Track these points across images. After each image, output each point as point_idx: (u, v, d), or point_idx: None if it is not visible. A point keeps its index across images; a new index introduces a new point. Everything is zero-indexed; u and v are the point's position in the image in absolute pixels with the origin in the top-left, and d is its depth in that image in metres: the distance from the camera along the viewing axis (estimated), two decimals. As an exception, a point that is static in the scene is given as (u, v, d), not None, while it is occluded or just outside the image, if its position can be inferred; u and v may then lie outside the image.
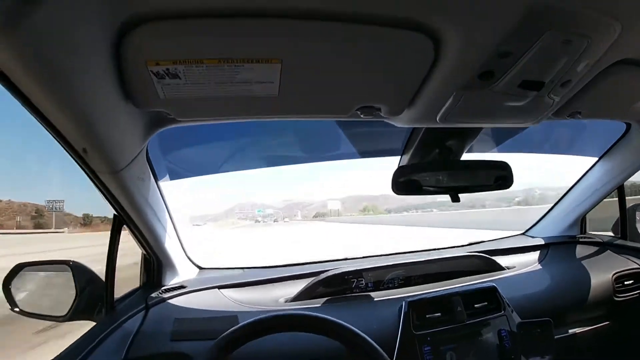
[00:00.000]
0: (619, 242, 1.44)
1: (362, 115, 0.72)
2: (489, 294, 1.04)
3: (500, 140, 1.31)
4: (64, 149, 0.63)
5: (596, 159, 1.40)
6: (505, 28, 0.52)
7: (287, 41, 0.51)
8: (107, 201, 0.83)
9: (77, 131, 0.58)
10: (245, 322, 0.73)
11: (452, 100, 0.68)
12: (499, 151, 1.38)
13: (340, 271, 1.16)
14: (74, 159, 0.66)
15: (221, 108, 0.67)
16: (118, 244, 0.92)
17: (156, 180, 0.93)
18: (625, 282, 1.27)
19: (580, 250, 1.41)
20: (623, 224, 1.49)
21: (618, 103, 0.92)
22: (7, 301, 0.98)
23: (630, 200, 1.52)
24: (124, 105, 0.60)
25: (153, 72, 0.52)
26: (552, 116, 0.85)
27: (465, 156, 1.01)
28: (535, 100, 0.70)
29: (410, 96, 0.69)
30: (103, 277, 0.96)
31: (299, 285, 1.14)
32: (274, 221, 62.76)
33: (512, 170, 0.95)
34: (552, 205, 1.60)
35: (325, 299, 1.09)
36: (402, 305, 0.98)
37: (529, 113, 0.78)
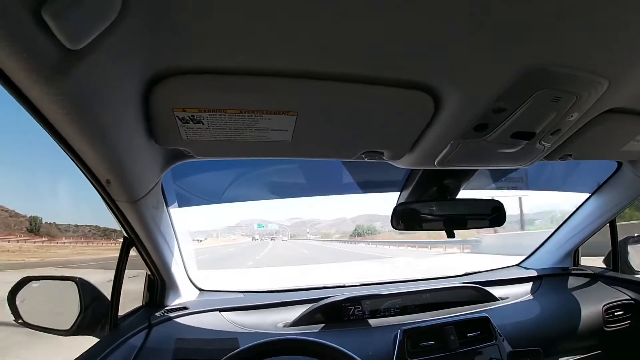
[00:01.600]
0: (610, 273, 1.47)
1: (366, 159, 0.78)
2: (482, 323, 1.08)
3: (496, 178, 1.36)
4: (88, 179, 0.67)
5: (588, 194, 1.44)
6: (500, 89, 0.57)
7: (304, 97, 0.57)
8: (120, 225, 0.87)
9: (103, 165, 0.62)
10: (249, 344, 0.76)
11: (449, 147, 0.74)
12: (495, 188, 1.43)
13: (338, 299, 1.19)
14: (95, 188, 0.71)
15: (237, 149, 0.72)
16: (126, 264, 0.96)
17: (167, 207, 0.97)
18: (616, 313, 1.31)
19: (572, 282, 1.45)
20: (614, 256, 1.52)
21: (608, 146, 0.96)
22: (11, 312, 1.00)
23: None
24: (148, 143, 0.65)
25: (179, 117, 0.57)
26: (544, 159, 0.90)
27: (462, 193, 1.06)
28: (526, 147, 0.76)
29: (410, 144, 0.74)
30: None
31: (298, 311, 1.16)
32: (271, 239, 60.40)
33: (505, 208, 1.00)
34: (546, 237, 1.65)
35: (322, 324, 1.12)
36: (397, 333, 1.01)
37: (521, 157, 0.83)
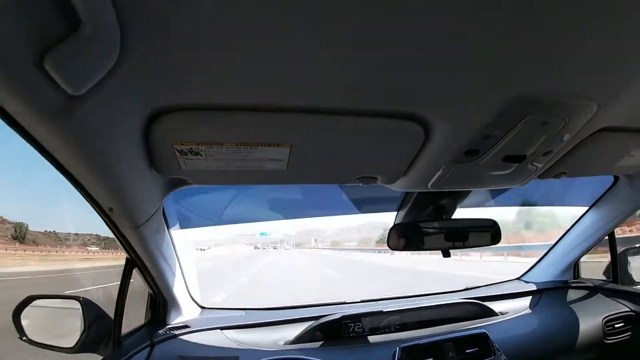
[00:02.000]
0: (610, 285, 1.47)
1: (360, 184, 0.80)
2: (480, 339, 1.08)
3: (492, 195, 1.37)
4: (92, 206, 0.70)
5: (586, 207, 1.45)
6: (488, 117, 0.58)
7: (297, 130, 0.59)
8: (123, 249, 0.89)
9: (106, 194, 0.65)
10: None
11: (441, 171, 0.76)
12: (492, 205, 1.44)
13: (338, 316, 1.20)
14: (99, 215, 0.73)
15: (234, 177, 0.75)
16: (128, 285, 0.98)
17: (169, 229, 0.99)
18: (616, 325, 1.30)
19: (572, 295, 1.45)
20: (614, 268, 1.52)
21: (602, 163, 0.97)
22: (16, 330, 1.02)
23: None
24: (149, 173, 0.67)
25: (178, 150, 0.60)
26: (538, 178, 0.91)
27: (458, 212, 1.07)
28: (519, 168, 0.77)
29: (403, 169, 0.76)
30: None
31: (299, 328, 1.18)
32: (274, 248, 57.92)
33: (500, 227, 1.01)
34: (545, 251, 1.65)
35: (322, 342, 1.13)
36: (395, 351, 1.02)
37: (514, 178, 0.84)
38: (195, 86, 0.48)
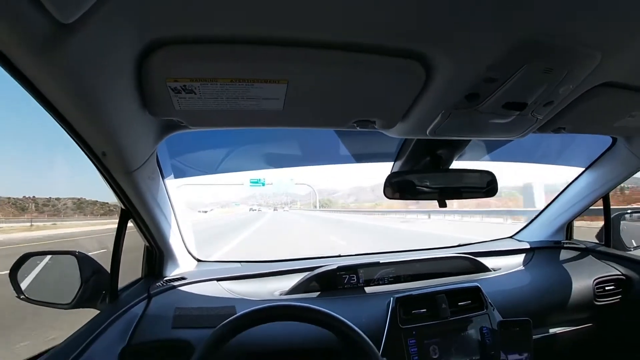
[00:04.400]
0: (602, 248, 1.49)
1: (358, 127, 0.78)
2: (473, 293, 1.10)
3: (490, 149, 1.36)
4: (84, 152, 0.69)
5: (583, 168, 1.45)
6: (491, 59, 0.57)
7: (293, 65, 0.57)
8: (116, 197, 0.88)
9: (98, 137, 0.64)
10: (242, 311, 0.78)
11: (440, 117, 0.74)
12: (489, 160, 1.44)
13: (333, 267, 1.22)
14: (92, 160, 0.72)
15: (230, 119, 0.73)
16: (124, 236, 0.97)
17: (163, 178, 0.99)
18: (606, 287, 1.33)
19: (564, 255, 1.47)
20: (607, 232, 1.54)
21: (601, 120, 0.96)
22: (13, 288, 1.02)
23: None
24: (142, 114, 0.65)
25: (171, 87, 0.58)
26: (537, 131, 0.90)
27: (455, 164, 1.07)
28: (519, 118, 0.76)
29: (402, 113, 0.74)
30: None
31: (294, 280, 1.19)
32: (274, 210, 51.68)
33: (497, 178, 1.01)
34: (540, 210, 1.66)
35: (318, 292, 1.15)
36: (390, 301, 1.04)
37: (514, 128, 0.83)
38: (190, 15, 0.46)
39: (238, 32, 0.50)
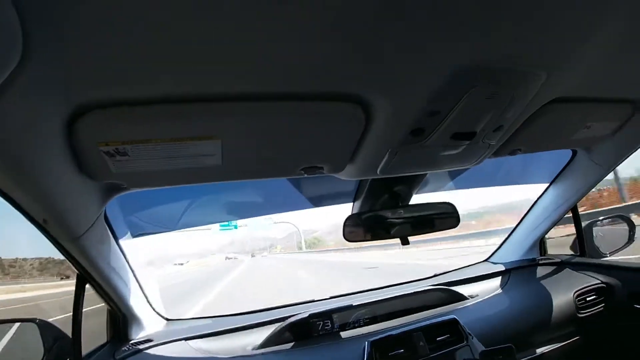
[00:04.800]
0: (578, 259, 1.49)
1: (305, 174, 0.77)
2: (450, 326, 1.07)
3: (450, 177, 1.37)
4: (26, 218, 0.66)
5: (547, 184, 1.47)
6: (430, 91, 0.56)
7: (225, 120, 0.56)
8: (70, 263, 0.86)
9: (36, 204, 0.62)
10: None
11: (388, 155, 0.74)
12: (453, 188, 1.44)
13: (305, 315, 1.18)
14: (36, 227, 0.70)
15: (170, 178, 0.71)
16: (82, 302, 0.94)
17: (117, 240, 0.96)
18: (588, 298, 1.31)
19: (541, 272, 1.46)
20: (581, 242, 1.55)
21: (557, 136, 0.95)
22: None
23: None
24: (79, 178, 0.64)
25: (104, 151, 0.57)
26: (492, 156, 0.89)
27: (415, 198, 1.07)
28: (470, 147, 0.75)
29: (349, 155, 0.74)
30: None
31: (267, 332, 1.15)
32: (252, 256, 46.51)
33: (457, 209, 1.01)
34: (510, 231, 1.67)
35: (292, 343, 1.11)
36: (365, 346, 1.00)
37: (467, 158, 0.82)
38: (111, 80, 0.46)
39: (163, 92, 0.50)
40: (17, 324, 1.06)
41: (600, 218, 1.67)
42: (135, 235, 1.08)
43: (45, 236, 0.74)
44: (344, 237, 0.97)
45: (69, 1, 0.34)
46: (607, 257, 1.55)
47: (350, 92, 0.55)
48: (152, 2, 0.35)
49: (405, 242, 1.00)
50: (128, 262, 1.03)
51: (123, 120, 0.52)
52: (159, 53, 0.42)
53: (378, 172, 0.81)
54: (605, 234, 1.64)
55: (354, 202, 1.14)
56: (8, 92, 0.39)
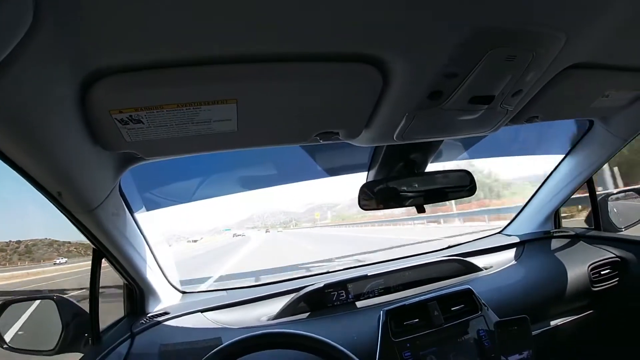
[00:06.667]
0: (592, 233, 1.48)
1: (321, 140, 0.76)
2: (465, 296, 1.07)
3: (465, 146, 1.35)
4: (40, 192, 0.66)
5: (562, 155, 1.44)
6: (448, 52, 0.55)
7: (240, 83, 0.55)
8: (85, 237, 0.86)
9: (51, 177, 0.61)
10: (225, 343, 0.76)
11: (405, 120, 0.72)
12: (467, 157, 1.42)
13: (320, 285, 1.19)
14: (50, 201, 0.70)
15: (185, 146, 0.70)
16: (99, 276, 0.95)
17: (132, 213, 0.96)
18: (602, 272, 1.30)
19: (555, 244, 1.45)
20: (596, 215, 1.52)
21: (575, 104, 0.93)
22: None
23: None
24: (93, 149, 0.63)
25: (117, 119, 0.56)
26: (509, 123, 0.88)
27: (430, 167, 1.05)
28: (488, 112, 0.73)
29: (365, 120, 0.72)
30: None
31: (281, 303, 1.16)
32: (266, 232, 44.83)
33: (474, 177, 0.99)
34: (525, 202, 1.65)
35: (307, 314, 1.12)
36: (380, 315, 1.01)
37: (484, 123, 0.80)
38: (122, 42, 0.44)
39: (177, 55, 0.48)
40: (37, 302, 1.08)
41: (615, 192, 1.64)
42: (149, 208, 1.09)
43: (60, 210, 0.74)
44: (359, 205, 0.96)
45: None
46: (622, 231, 1.53)
47: (368, 53, 0.54)
48: None
49: (421, 210, 0.98)
50: (144, 235, 1.04)
51: (135, 86, 0.51)
52: (177, 13, 0.41)
53: (394, 137, 0.79)
54: (620, 208, 1.62)
55: (368, 170, 1.13)
56: (21, 57, 0.38)
